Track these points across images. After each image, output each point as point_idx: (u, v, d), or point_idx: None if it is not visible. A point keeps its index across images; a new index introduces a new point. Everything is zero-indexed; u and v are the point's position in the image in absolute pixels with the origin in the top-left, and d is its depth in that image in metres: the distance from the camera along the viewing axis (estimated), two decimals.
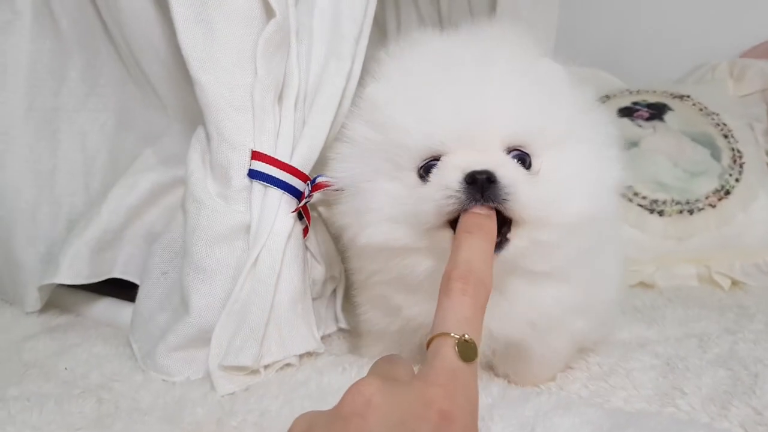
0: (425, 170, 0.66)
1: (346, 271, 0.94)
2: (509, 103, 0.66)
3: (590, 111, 0.74)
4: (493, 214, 0.60)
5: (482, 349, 0.63)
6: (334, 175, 0.76)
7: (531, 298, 0.71)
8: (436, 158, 0.66)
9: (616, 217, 0.81)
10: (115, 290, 1.05)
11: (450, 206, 0.61)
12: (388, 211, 0.68)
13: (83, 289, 1.04)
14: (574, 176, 0.67)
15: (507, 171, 0.62)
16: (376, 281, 0.76)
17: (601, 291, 0.80)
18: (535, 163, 0.67)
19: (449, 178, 0.62)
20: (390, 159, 0.69)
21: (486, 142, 0.65)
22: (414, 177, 0.67)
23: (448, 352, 0.47)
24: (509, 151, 0.66)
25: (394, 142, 0.67)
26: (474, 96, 0.65)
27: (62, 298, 1.07)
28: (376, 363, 0.51)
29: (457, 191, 0.61)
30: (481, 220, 0.58)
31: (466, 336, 0.48)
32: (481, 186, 0.60)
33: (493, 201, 0.61)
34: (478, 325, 0.50)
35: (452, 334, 0.47)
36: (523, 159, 0.67)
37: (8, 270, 1.06)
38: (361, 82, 0.89)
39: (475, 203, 0.61)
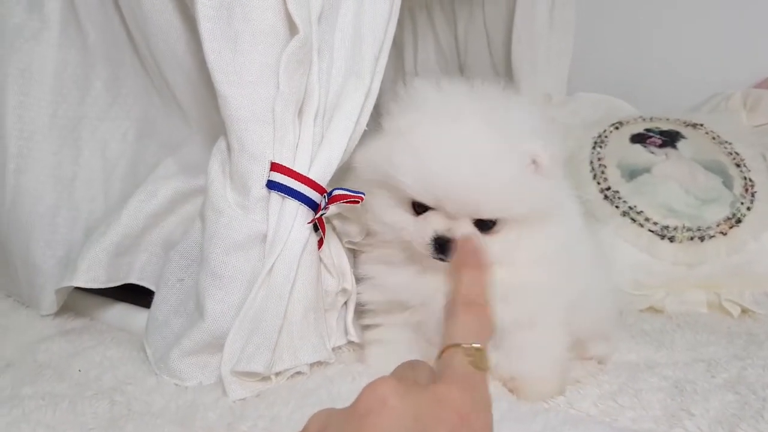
0: (417, 206, 0.81)
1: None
2: (487, 193, 0.78)
3: (558, 192, 0.85)
4: (481, 245, 0.64)
5: None
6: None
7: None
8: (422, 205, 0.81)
9: (579, 228, 0.93)
10: (129, 296, 1.06)
11: (427, 252, 0.79)
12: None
13: (98, 294, 1.05)
14: (521, 247, 0.82)
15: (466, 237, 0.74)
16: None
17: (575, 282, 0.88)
18: (496, 227, 0.81)
19: (426, 234, 0.79)
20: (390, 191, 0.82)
21: (458, 213, 0.79)
22: (409, 207, 0.82)
23: (461, 359, 0.48)
24: (474, 220, 0.80)
25: (398, 185, 0.80)
26: (457, 176, 0.76)
27: (77, 303, 1.08)
28: (398, 366, 0.52)
29: (429, 245, 0.79)
30: (473, 252, 0.61)
31: (477, 345, 0.49)
32: (442, 246, 0.78)
33: (444, 258, 0.78)
34: (485, 339, 0.51)
35: (463, 345, 0.49)
36: (487, 223, 0.81)
37: (25, 273, 1.08)
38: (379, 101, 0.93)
39: (443, 255, 0.78)
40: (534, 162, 0.80)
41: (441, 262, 0.79)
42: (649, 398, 0.81)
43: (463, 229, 0.79)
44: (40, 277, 1.05)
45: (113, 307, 1.07)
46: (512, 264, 0.81)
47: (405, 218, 0.82)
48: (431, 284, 0.82)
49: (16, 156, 1.06)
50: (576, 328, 0.90)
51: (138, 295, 1.04)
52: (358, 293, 0.93)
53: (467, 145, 0.77)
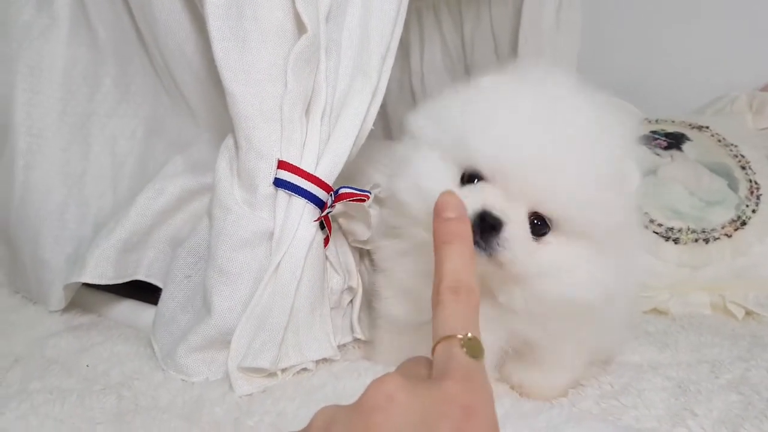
0: (468, 177, 0.70)
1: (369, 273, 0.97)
2: (572, 177, 0.65)
3: (630, 215, 0.73)
4: (465, 217, 0.57)
5: (498, 349, 0.69)
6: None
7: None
8: (477, 175, 0.69)
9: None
10: (137, 293, 1.07)
11: None
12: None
13: (105, 290, 1.06)
14: (573, 268, 0.69)
15: (515, 228, 0.65)
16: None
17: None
18: (550, 235, 0.69)
19: (469, 206, 0.63)
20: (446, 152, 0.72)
21: (518, 195, 0.66)
22: (457, 176, 0.71)
23: (457, 351, 0.47)
24: (532, 213, 0.68)
25: (461, 145, 0.69)
26: (542, 147, 0.65)
27: (85, 299, 1.09)
28: (402, 363, 0.52)
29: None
30: (455, 226, 0.56)
31: (470, 334, 0.48)
32: (486, 227, 0.65)
33: (484, 246, 0.65)
34: (476, 325, 0.50)
35: (457, 335, 0.48)
36: (541, 225, 0.68)
37: (34, 268, 1.09)
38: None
39: (482, 240, 0.65)
40: (623, 176, 0.68)
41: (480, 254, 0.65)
42: (652, 398, 0.81)
43: (515, 216, 0.66)
44: (49, 273, 1.06)
45: (121, 304, 1.08)
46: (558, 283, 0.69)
47: (447, 186, 0.64)
48: None
49: (26, 152, 1.07)
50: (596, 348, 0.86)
51: (145, 292, 1.05)
52: (383, 305, 0.88)
53: (566, 114, 0.66)
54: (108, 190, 1.09)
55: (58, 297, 1.05)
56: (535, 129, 0.65)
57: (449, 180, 0.71)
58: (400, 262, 0.82)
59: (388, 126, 1.98)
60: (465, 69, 1.87)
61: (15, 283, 1.18)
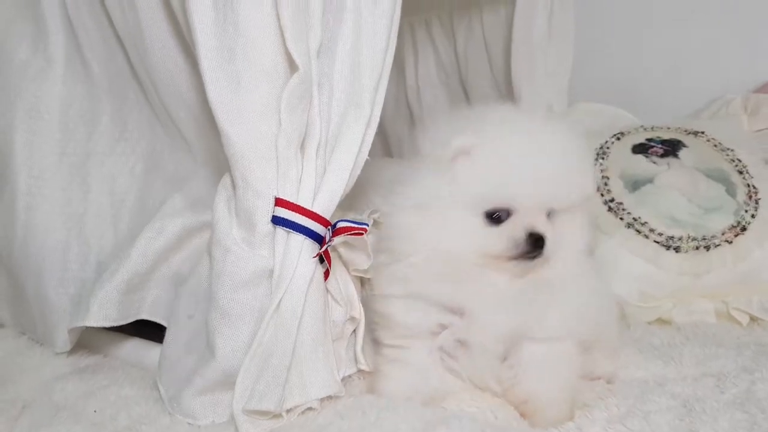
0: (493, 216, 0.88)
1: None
2: (562, 186, 0.89)
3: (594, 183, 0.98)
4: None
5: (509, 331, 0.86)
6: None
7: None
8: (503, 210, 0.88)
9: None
10: (142, 328, 1.07)
11: (518, 251, 0.87)
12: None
13: (111, 329, 1.06)
14: (569, 234, 0.91)
15: (548, 231, 0.88)
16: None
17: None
18: (554, 216, 0.91)
19: (517, 236, 0.87)
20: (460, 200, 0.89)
21: (538, 209, 0.88)
22: (481, 218, 0.88)
23: None
24: (547, 212, 0.90)
25: (474, 192, 0.88)
26: (540, 177, 0.87)
27: (91, 339, 1.09)
28: None
29: (523, 244, 0.86)
30: None
31: None
32: (537, 241, 0.86)
33: (539, 249, 0.87)
34: None
35: None
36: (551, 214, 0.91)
37: (39, 310, 1.09)
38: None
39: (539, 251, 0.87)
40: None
41: (526, 263, 0.87)
42: (658, 420, 0.82)
43: (540, 226, 0.88)
44: (54, 315, 1.06)
45: (126, 343, 1.09)
46: (559, 256, 0.89)
47: (485, 231, 0.87)
48: (495, 292, 0.88)
49: (26, 194, 1.08)
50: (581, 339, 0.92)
51: (151, 327, 1.05)
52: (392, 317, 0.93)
53: (550, 147, 0.88)
54: (108, 229, 1.10)
55: (63, 339, 1.05)
56: (539, 165, 0.86)
57: (483, 227, 0.88)
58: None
59: (386, 142, 1.99)
60: (460, 81, 1.88)
61: (21, 324, 1.19)
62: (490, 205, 0.87)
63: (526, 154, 0.87)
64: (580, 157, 0.93)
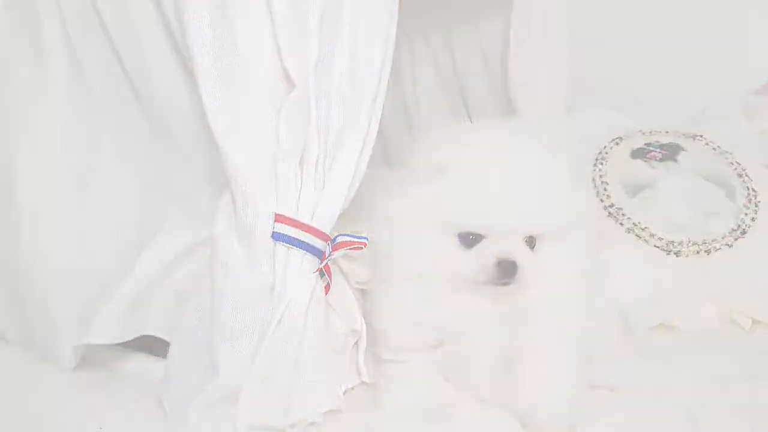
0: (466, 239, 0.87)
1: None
2: (535, 212, 0.87)
3: (579, 209, 0.95)
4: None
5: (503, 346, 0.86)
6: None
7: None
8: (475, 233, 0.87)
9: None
10: (147, 341, 1.07)
11: (489, 278, 0.85)
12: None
13: (116, 344, 1.07)
14: (555, 262, 0.89)
15: (523, 259, 0.85)
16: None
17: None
18: (537, 245, 0.89)
19: (487, 261, 0.85)
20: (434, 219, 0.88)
21: (513, 235, 0.87)
22: (454, 240, 0.87)
23: None
24: (525, 238, 0.88)
25: (446, 212, 0.87)
26: (512, 202, 0.86)
27: (95, 354, 1.09)
28: None
29: (493, 270, 0.85)
30: None
31: None
32: (508, 269, 0.84)
33: (509, 277, 0.85)
34: None
35: None
36: (531, 242, 0.89)
37: (44, 328, 1.10)
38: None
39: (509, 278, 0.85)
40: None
41: (501, 288, 0.86)
42: (661, 428, 0.82)
43: (518, 251, 0.86)
44: (58, 333, 1.06)
45: (131, 359, 1.09)
46: (543, 282, 0.88)
47: (456, 253, 0.87)
48: (477, 314, 0.87)
49: (30, 214, 1.08)
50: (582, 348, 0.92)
51: (156, 340, 1.05)
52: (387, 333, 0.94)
53: (524, 169, 0.87)
54: (112, 246, 1.10)
55: (68, 356, 1.05)
56: (511, 191, 0.85)
57: (454, 248, 0.88)
58: None
59: (386, 150, 1.99)
60: (458, 90, 1.88)
61: (25, 342, 1.19)
62: (462, 228, 0.86)
63: (498, 178, 0.85)
64: (558, 184, 0.90)
